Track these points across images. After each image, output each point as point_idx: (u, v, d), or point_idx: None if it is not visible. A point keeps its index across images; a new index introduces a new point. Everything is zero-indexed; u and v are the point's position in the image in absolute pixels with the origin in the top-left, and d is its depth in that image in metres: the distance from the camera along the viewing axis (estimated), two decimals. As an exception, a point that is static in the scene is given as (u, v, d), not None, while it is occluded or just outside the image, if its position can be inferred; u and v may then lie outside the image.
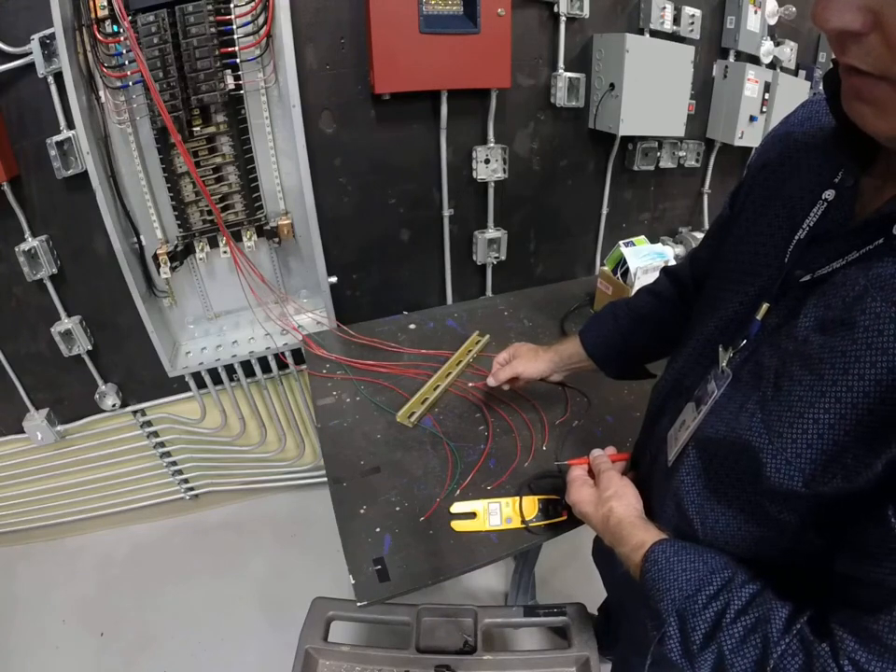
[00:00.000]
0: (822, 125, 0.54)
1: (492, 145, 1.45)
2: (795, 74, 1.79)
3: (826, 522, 0.44)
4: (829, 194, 0.49)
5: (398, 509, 0.92)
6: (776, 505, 0.47)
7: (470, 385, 1.18)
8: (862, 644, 0.39)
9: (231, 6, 1.10)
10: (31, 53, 1.06)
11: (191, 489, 1.88)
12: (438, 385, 1.19)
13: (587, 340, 0.92)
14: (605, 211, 1.73)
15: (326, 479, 1.00)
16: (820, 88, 1.75)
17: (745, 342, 0.53)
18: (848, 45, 0.35)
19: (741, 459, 0.48)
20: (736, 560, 0.53)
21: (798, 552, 0.49)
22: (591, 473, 0.76)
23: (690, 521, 0.57)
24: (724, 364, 0.54)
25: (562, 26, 1.37)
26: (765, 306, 0.51)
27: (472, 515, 0.89)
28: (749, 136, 1.65)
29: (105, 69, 1.09)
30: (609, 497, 0.67)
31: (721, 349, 0.55)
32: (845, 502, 0.41)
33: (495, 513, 0.89)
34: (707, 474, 0.55)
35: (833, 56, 0.38)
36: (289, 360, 1.54)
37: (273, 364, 1.56)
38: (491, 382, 1.01)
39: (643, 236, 1.51)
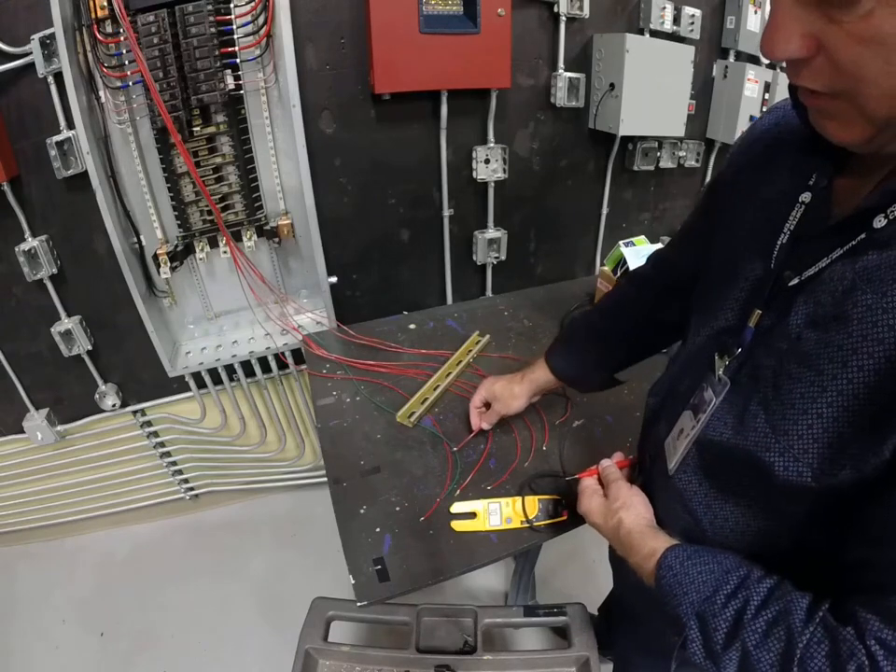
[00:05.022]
0: (793, 127, 0.54)
1: (492, 145, 1.45)
2: (795, 74, 1.79)
3: (836, 511, 0.45)
4: (805, 197, 0.50)
5: (398, 509, 0.92)
6: (785, 499, 0.47)
7: (454, 450, 1.02)
8: (887, 622, 0.39)
9: (231, 6, 1.10)
10: (31, 53, 1.06)
11: (191, 489, 1.88)
12: (438, 385, 1.19)
13: (554, 363, 0.92)
14: (605, 211, 1.73)
15: (326, 479, 1.00)
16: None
17: (739, 350, 0.53)
18: (799, 69, 0.38)
19: (748, 460, 0.49)
20: (749, 557, 0.53)
21: (808, 543, 0.49)
22: (601, 481, 0.76)
23: (698, 520, 0.57)
24: (721, 372, 0.54)
25: (562, 26, 1.37)
26: (757, 313, 0.51)
27: (472, 515, 0.89)
28: (749, 136, 1.64)
29: (105, 69, 1.09)
30: (618, 508, 0.67)
31: (716, 357, 0.55)
32: (854, 492, 0.42)
33: (495, 513, 0.89)
34: (712, 474, 0.55)
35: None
36: (289, 360, 1.54)
37: (273, 364, 1.56)
38: (485, 426, 1.01)
39: (643, 236, 1.51)
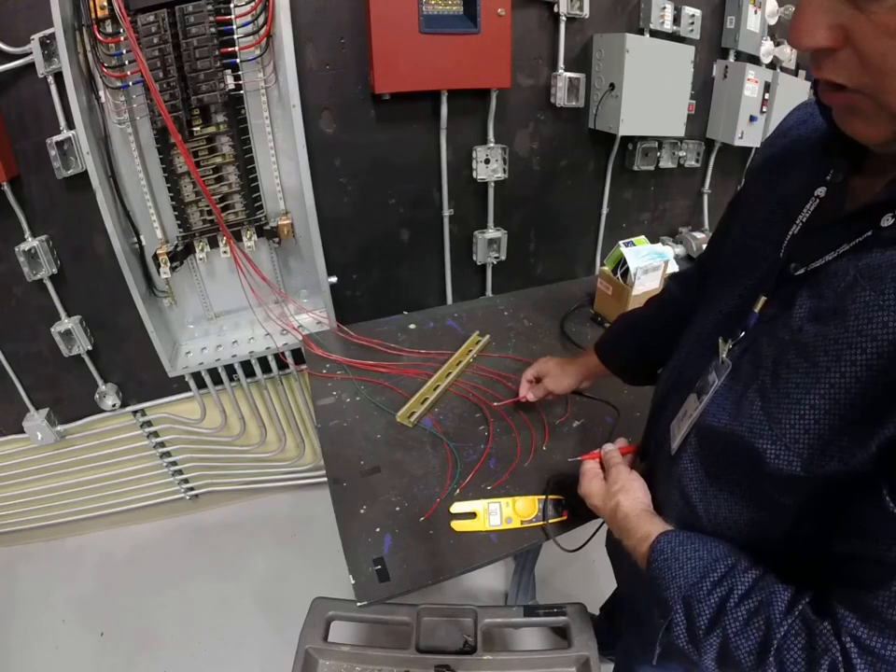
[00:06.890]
0: (817, 126, 0.55)
1: (492, 145, 1.45)
2: (795, 74, 1.79)
3: (825, 504, 0.46)
4: (820, 191, 0.50)
5: (398, 509, 0.92)
6: (776, 489, 0.48)
7: (495, 404, 1.13)
8: (863, 620, 0.40)
9: (231, 6, 1.10)
10: (31, 53, 1.06)
11: (191, 489, 1.88)
12: (438, 385, 1.19)
13: (601, 352, 0.96)
14: (605, 211, 1.73)
15: (326, 479, 1.00)
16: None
17: (743, 333, 0.54)
18: (823, 61, 0.38)
19: (742, 446, 0.50)
20: (739, 548, 0.54)
21: (798, 535, 0.50)
22: (603, 466, 0.77)
23: (693, 507, 0.58)
24: (724, 355, 0.55)
25: (562, 26, 1.37)
26: (763, 299, 0.52)
27: (472, 515, 0.89)
28: (749, 136, 1.65)
29: (104, 69, 1.09)
30: (617, 491, 0.69)
31: (720, 341, 0.56)
32: (842, 484, 0.43)
33: (495, 513, 0.89)
34: (708, 461, 0.56)
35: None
36: (289, 360, 1.54)
37: (273, 364, 1.56)
38: (531, 397, 1.03)
39: (643, 236, 1.51)
